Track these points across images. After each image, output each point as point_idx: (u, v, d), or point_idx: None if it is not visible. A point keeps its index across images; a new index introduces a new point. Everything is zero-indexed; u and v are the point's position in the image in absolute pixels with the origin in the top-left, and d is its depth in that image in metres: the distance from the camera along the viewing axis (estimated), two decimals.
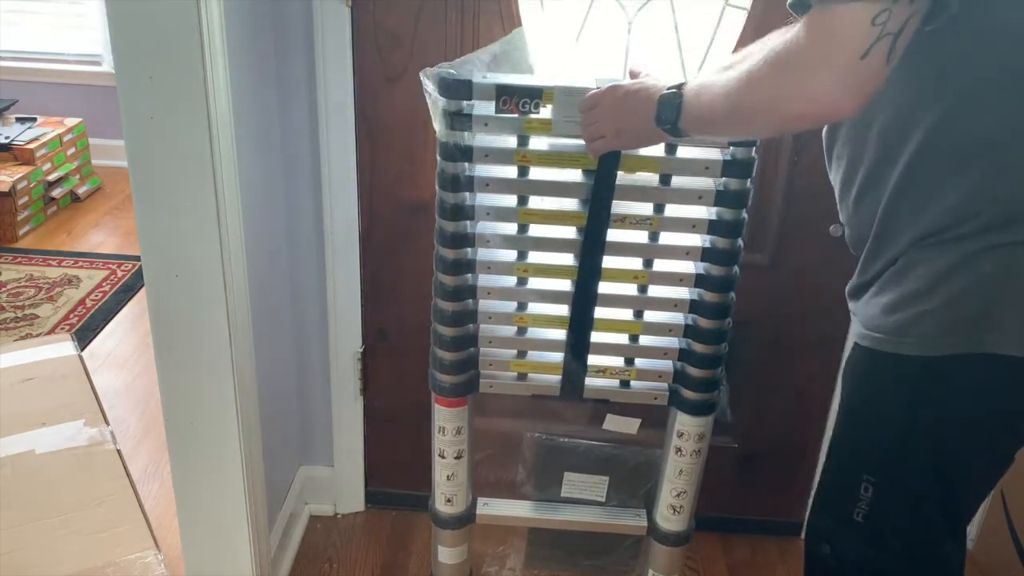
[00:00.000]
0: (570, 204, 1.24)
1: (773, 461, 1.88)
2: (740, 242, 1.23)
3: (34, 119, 3.66)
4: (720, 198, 1.20)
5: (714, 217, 1.22)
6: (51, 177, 3.49)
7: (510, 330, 1.33)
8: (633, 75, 1.18)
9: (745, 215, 1.22)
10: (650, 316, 1.30)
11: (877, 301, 1.01)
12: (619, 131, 1.13)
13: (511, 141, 1.21)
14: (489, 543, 1.78)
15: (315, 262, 1.75)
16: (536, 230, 1.26)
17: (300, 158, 1.66)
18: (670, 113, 1.03)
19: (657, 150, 1.19)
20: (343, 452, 1.91)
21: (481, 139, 1.20)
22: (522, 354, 1.34)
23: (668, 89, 1.04)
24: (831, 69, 0.82)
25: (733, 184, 1.20)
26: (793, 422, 1.84)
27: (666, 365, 1.34)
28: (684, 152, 1.20)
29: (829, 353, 1.74)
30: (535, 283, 1.30)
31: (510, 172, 1.23)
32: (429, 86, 1.18)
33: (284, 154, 1.64)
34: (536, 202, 1.25)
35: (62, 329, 2.70)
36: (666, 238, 1.25)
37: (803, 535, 1.23)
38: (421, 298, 1.75)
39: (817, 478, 1.37)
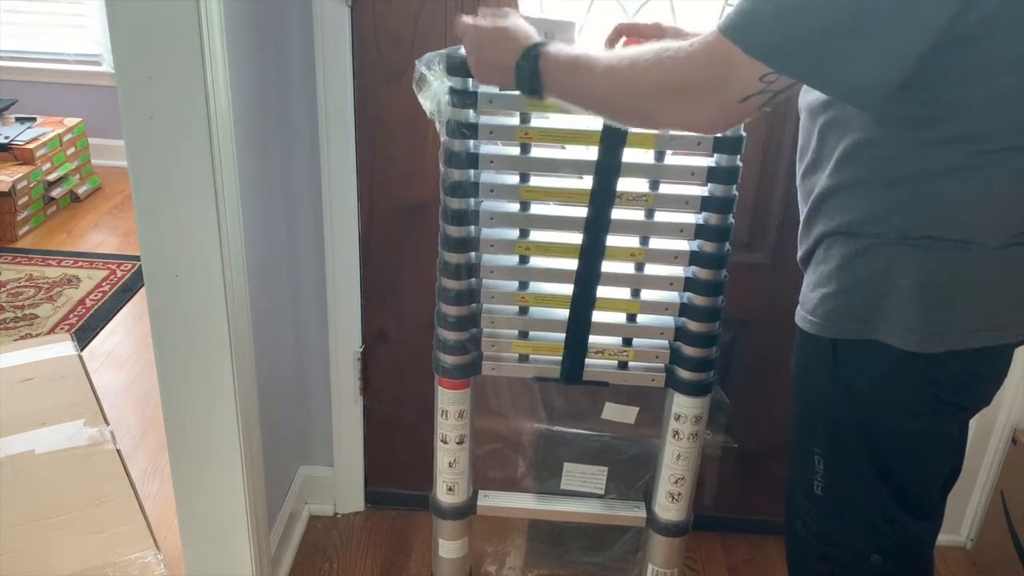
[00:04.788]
0: (572, 182, 1.29)
1: (773, 461, 1.88)
2: (731, 218, 1.28)
3: (34, 119, 3.66)
4: (712, 174, 1.25)
5: (706, 194, 1.27)
6: (51, 177, 3.49)
7: (512, 310, 1.36)
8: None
9: (736, 192, 1.27)
10: (647, 295, 1.34)
11: (808, 280, 1.08)
12: (480, 73, 1.12)
13: (514, 120, 1.25)
14: (490, 542, 1.78)
15: (315, 262, 1.75)
16: (539, 209, 1.31)
17: (300, 158, 1.66)
18: (530, 82, 1.03)
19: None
20: (343, 452, 1.91)
21: (485, 119, 1.25)
22: (524, 335, 1.37)
23: (524, 57, 1.03)
24: (712, 101, 0.88)
25: (724, 161, 1.25)
26: None
27: (662, 344, 1.36)
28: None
29: None
30: (537, 262, 1.33)
31: (513, 151, 1.27)
32: (426, 70, 1.21)
33: (284, 154, 1.64)
34: (539, 182, 1.30)
35: (62, 329, 2.70)
36: (661, 216, 1.29)
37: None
38: (421, 298, 1.76)
39: None
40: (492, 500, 1.51)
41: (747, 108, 0.87)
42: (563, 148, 1.30)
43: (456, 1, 1.53)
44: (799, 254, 1.11)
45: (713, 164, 1.25)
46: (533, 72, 1.02)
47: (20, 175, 3.30)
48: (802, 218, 1.08)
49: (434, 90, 1.21)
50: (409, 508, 1.96)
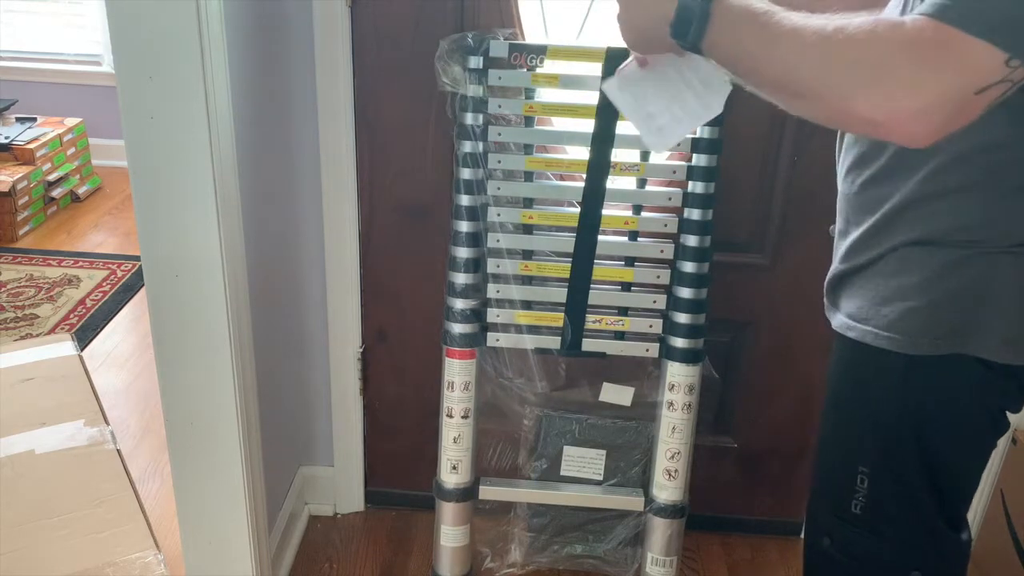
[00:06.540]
0: (573, 153, 1.43)
1: (773, 461, 1.88)
2: (713, 187, 1.38)
3: (34, 119, 3.66)
4: (696, 145, 1.36)
5: (692, 163, 1.38)
6: (51, 177, 3.49)
7: (517, 282, 1.46)
8: None
9: (717, 162, 1.38)
10: (640, 264, 1.44)
11: (864, 293, 1.01)
12: (629, 23, 0.95)
13: (520, 95, 1.39)
14: (490, 538, 1.78)
15: (315, 262, 1.75)
16: (542, 180, 1.44)
17: (300, 158, 1.66)
18: (694, 27, 0.85)
19: None
20: (343, 452, 1.91)
21: (493, 101, 1.39)
22: (527, 305, 1.45)
23: None
24: (940, 90, 0.72)
25: (707, 132, 1.36)
26: (793, 422, 1.84)
27: (655, 313, 1.46)
28: None
29: (829, 353, 1.74)
30: (540, 233, 1.45)
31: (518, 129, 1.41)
32: (447, 49, 1.36)
33: (284, 154, 1.64)
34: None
35: (62, 329, 2.70)
36: (651, 186, 1.42)
37: (803, 531, 1.23)
38: (421, 298, 1.76)
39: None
40: (493, 485, 1.58)
41: (980, 103, 0.72)
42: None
43: (455, 2, 1.53)
44: (848, 266, 1.04)
45: (696, 135, 1.35)
46: (702, 15, 0.84)
47: (20, 175, 3.30)
48: (860, 230, 1.01)
49: (452, 67, 1.35)
50: (409, 508, 1.96)
